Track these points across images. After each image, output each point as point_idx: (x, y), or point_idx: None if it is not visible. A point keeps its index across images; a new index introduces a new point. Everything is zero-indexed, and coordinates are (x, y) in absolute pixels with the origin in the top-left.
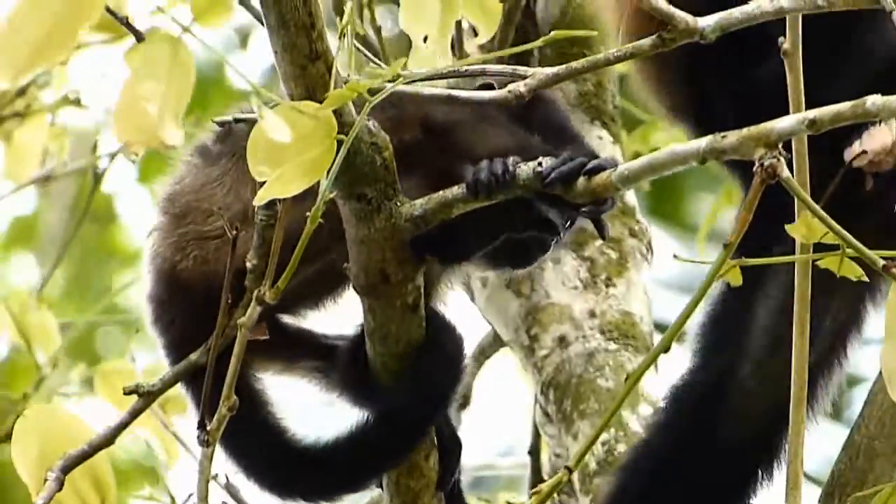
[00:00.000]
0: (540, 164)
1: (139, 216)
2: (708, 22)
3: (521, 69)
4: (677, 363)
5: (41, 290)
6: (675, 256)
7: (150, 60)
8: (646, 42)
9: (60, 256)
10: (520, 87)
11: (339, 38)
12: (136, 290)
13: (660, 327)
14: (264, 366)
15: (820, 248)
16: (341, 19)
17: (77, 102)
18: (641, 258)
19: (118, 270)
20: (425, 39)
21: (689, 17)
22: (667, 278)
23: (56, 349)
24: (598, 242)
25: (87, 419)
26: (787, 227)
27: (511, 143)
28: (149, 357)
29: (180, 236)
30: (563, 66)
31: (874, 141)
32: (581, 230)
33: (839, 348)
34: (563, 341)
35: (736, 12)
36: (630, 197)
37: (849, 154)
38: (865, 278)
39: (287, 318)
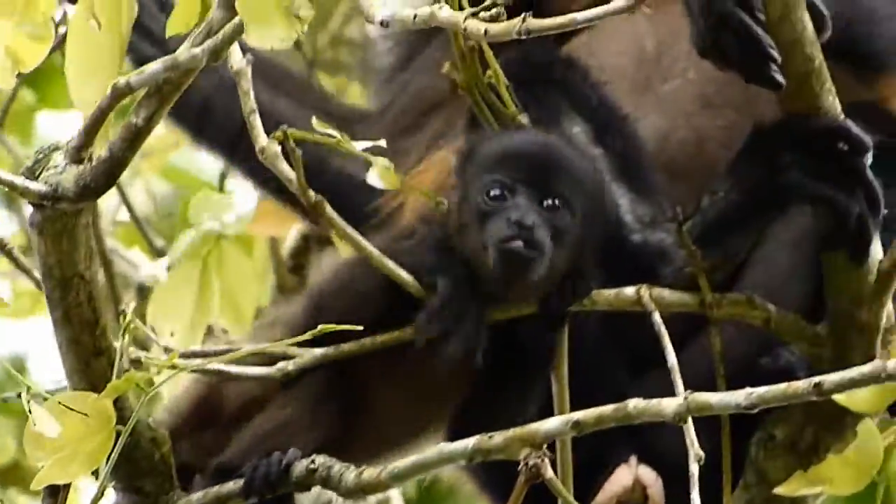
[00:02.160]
0: (313, 461)
1: None
2: None
3: (293, 349)
4: None
5: None
6: None
7: None
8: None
9: None
10: (289, 365)
11: (122, 334)
12: None
13: None
14: None
15: None
16: None
17: None
18: None
19: None
20: (172, 334)
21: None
22: None
23: None
24: None
25: None
26: None
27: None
28: None
29: None
30: (333, 347)
31: (615, 485)
32: None
33: None
34: None
35: None
36: (396, 501)
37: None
38: None
39: None
